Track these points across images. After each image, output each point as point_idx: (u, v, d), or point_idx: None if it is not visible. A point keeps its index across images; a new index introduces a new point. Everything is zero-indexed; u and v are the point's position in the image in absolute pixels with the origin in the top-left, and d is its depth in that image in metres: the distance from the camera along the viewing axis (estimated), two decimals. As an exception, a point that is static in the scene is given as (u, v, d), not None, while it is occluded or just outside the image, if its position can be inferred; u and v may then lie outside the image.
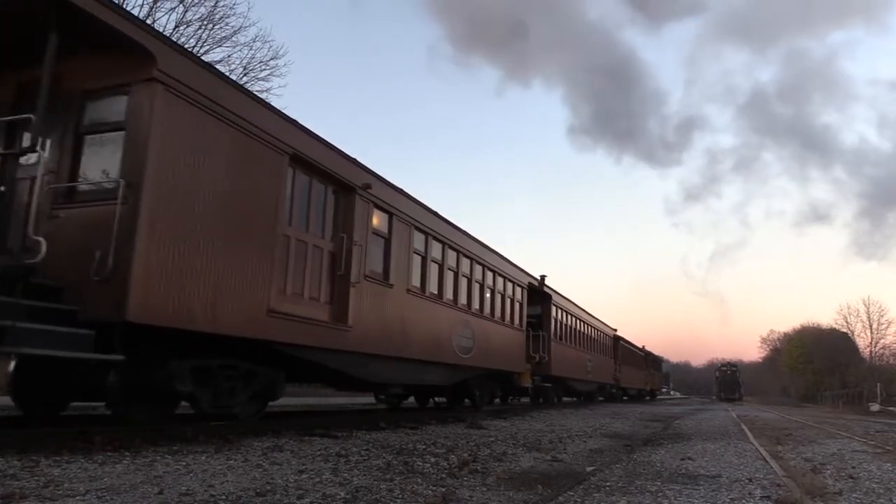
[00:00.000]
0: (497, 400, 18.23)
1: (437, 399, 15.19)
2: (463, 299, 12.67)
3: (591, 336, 26.33)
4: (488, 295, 14.23)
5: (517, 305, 16.22)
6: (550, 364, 19.03)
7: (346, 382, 10.31)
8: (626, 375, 34.47)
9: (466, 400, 14.22)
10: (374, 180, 9.29)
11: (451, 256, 12.15)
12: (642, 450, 7.65)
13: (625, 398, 36.27)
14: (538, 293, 19.21)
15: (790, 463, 6.74)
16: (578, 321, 24.27)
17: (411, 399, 14.80)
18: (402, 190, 10.28)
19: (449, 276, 12.01)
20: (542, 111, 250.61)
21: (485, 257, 14.01)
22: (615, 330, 32.71)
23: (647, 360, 44.25)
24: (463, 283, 12.71)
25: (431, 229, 11.27)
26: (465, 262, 12.89)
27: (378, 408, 15.00)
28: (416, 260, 10.72)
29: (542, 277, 19.57)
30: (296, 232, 7.73)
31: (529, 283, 17.48)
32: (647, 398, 44.76)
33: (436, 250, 11.48)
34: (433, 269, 11.38)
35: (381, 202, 9.43)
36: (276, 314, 7.06)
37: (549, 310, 19.98)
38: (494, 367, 14.12)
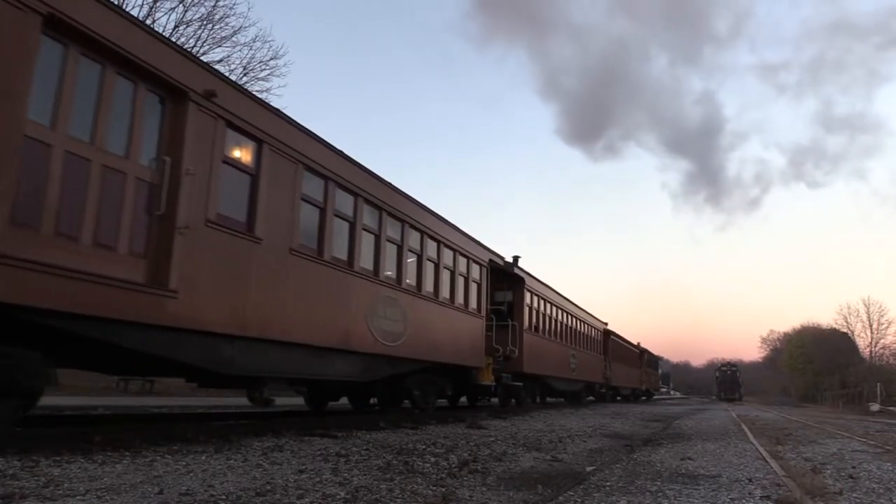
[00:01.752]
0: (459, 400, 16.17)
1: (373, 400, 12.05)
2: (389, 271, 10.05)
3: (575, 329, 23.43)
4: (430, 270, 11.56)
5: (474, 287, 13.42)
6: (522, 359, 16.21)
7: (194, 374, 7.30)
8: (617, 374, 31.78)
9: (407, 401, 11.57)
10: (226, 88, 6.74)
11: (371, 215, 9.56)
12: (642, 450, 7.65)
13: (618, 398, 34.33)
14: (508, 276, 16.76)
15: (790, 463, 6.74)
16: (559, 311, 21.15)
17: (344, 400, 11.88)
18: (283, 114, 7.85)
19: (366, 241, 9.43)
20: (535, 113, 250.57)
21: (426, 223, 11.25)
22: (605, 324, 30.05)
23: (642, 358, 41.74)
24: (390, 251, 10.08)
25: (337, 174, 8.59)
26: (394, 226, 10.22)
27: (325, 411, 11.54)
28: (309, 212, 8.13)
29: (515, 259, 17.04)
30: (64, 140, 5.17)
31: (492, 260, 14.51)
32: (644, 398, 42.82)
33: (344, 203, 8.91)
34: (339, 228, 8.81)
35: (242, 123, 6.86)
36: (10, 261, 4.60)
37: (522, 296, 17.15)
38: (438, 359, 11.44)
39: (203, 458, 4.98)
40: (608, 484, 4.76)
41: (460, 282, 12.77)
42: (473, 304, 13.34)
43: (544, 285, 19.51)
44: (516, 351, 15.84)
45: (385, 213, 9.91)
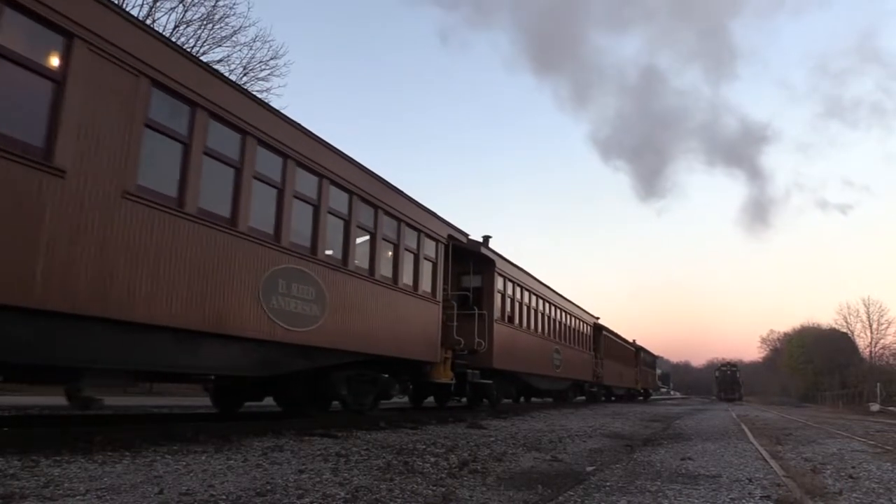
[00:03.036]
0: (423, 401, 14.93)
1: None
2: (299, 238, 7.90)
3: (560, 322, 21.20)
4: (365, 242, 9.50)
5: (427, 266, 11.31)
6: (492, 353, 14.10)
7: None
8: (610, 372, 29.54)
9: (338, 402, 9.67)
10: None
11: (270, 162, 7.48)
12: (642, 450, 7.65)
13: (613, 398, 32.76)
14: (476, 258, 14.42)
15: (790, 463, 6.74)
16: (540, 300, 18.82)
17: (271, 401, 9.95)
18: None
19: (262, 195, 7.35)
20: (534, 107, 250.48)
21: (359, 182, 9.05)
22: (597, 318, 27.88)
23: (638, 356, 39.59)
24: (300, 211, 7.98)
25: (209, 99, 6.52)
26: (307, 181, 8.09)
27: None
28: (163, 145, 6.14)
29: (486, 238, 14.96)
30: None
31: (452, 237, 12.30)
32: (640, 398, 41.01)
33: (226, 141, 6.85)
34: (216, 173, 6.74)
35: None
36: None
37: (492, 280, 14.85)
38: (373, 351, 9.32)
39: (203, 458, 4.98)
40: (608, 484, 4.76)
41: (408, 259, 10.57)
42: (426, 286, 11.19)
43: (521, 270, 17.14)
44: (484, 344, 13.65)
45: (293, 163, 7.73)
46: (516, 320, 16.78)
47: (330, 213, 8.58)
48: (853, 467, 6.39)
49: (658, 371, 60.37)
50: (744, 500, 4.27)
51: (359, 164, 9.28)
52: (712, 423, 14.93)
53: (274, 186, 7.59)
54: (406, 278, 10.56)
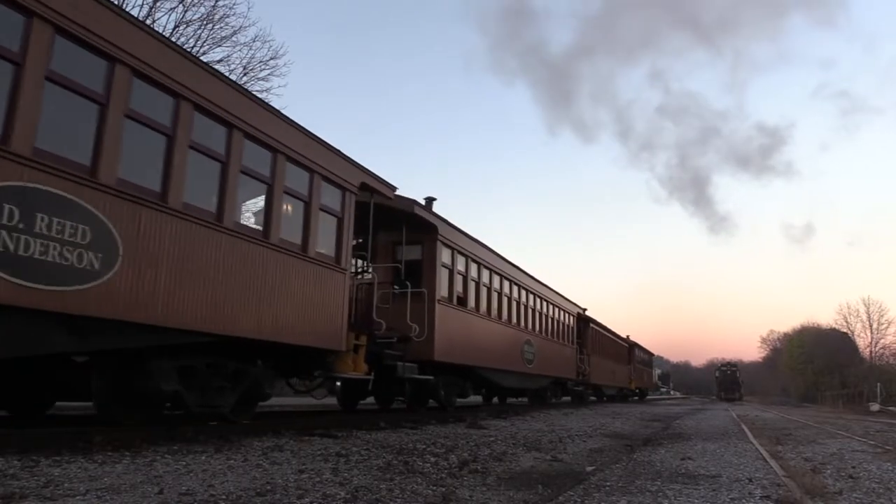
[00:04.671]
0: (357, 403, 12.21)
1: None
2: (41, 141, 5.01)
3: (535, 309, 18.24)
4: (202, 172, 6.63)
5: (327, 221, 8.58)
6: (433, 342, 11.29)
7: None
8: (599, 369, 26.71)
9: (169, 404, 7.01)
10: None
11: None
12: (642, 450, 7.65)
13: (605, 399, 30.22)
14: (412, 223, 11.43)
15: (790, 463, 6.74)
16: (506, 281, 15.65)
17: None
18: None
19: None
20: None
21: (173, 71, 6.13)
22: (584, 309, 24.80)
23: (632, 353, 36.83)
24: (62, 102, 5.31)
25: None
26: (85, 61, 5.40)
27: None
28: None
29: (429, 201, 12.38)
30: None
31: (367, 186, 9.44)
32: (635, 398, 38.45)
33: None
34: None
35: None
36: None
37: (434, 251, 11.80)
38: (224, 331, 6.68)
39: (203, 458, 4.99)
40: (608, 484, 4.76)
41: (293, 207, 8.03)
42: (325, 247, 8.49)
43: (477, 243, 13.84)
44: (422, 330, 10.90)
45: (59, 35, 5.15)
46: (470, 303, 13.51)
47: (132, 117, 5.78)
48: (853, 467, 6.39)
49: (658, 371, 60.00)
50: (744, 500, 4.27)
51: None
52: (712, 423, 14.93)
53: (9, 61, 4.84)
54: (288, 233, 7.79)
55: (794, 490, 4.67)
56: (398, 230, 11.60)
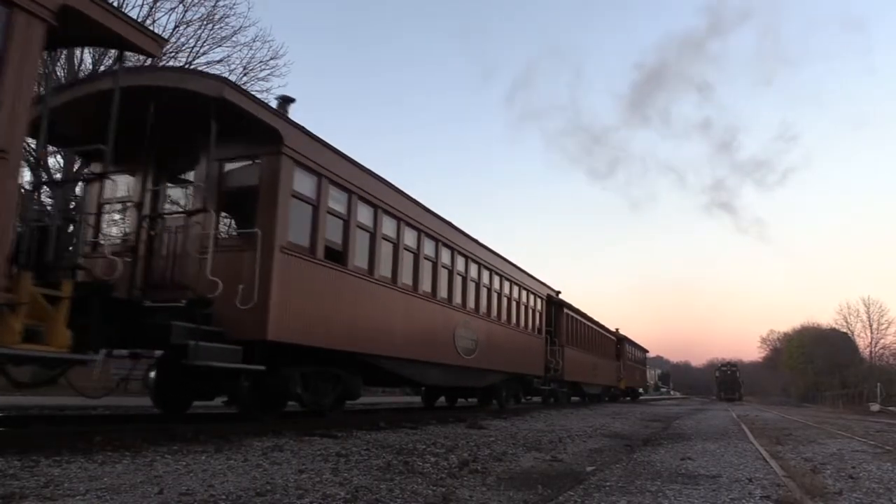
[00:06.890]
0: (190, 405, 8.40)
1: None
2: None
3: (478, 283, 13.83)
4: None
5: None
6: (267, 310, 7.19)
7: None
8: (576, 365, 22.45)
9: None
10: None
11: None
12: (642, 450, 7.65)
13: (586, 399, 25.91)
14: (244, 124, 7.28)
15: (790, 463, 6.74)
16: (426, 238, 11.38)
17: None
18: None
19: None
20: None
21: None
22: (557, 293, 21.06)
23: (621, 348, 32.82)
24: None
25: None
26: None
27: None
28: None
29: (283, 100, 8.54)
30: None
31: (81, 14, 5.04)
32: (627, 399, 35.06)
33: None
34: None
35: None
36: None
37: (277, 172, 7.55)
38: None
39: (203, 458, 4.98)
40: (608, 484, 4.75)
41: None
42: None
43: (374, 178, 9.70)
44: (251, 295, 6.99)
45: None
46: (355, 261, 9.15)
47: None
48: (853, 467, 6.39)
49: (658, 370, 59.74)
50: (744, 500, 4.27)
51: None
52: (712, 423, 14.94)
53: None
54: None
55: (794, 490, 4.67)
56: (229, 142, 7.43)
